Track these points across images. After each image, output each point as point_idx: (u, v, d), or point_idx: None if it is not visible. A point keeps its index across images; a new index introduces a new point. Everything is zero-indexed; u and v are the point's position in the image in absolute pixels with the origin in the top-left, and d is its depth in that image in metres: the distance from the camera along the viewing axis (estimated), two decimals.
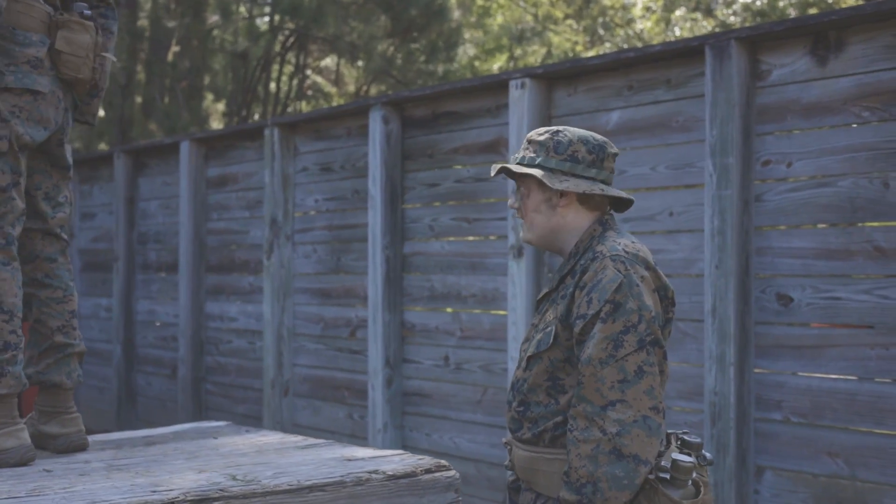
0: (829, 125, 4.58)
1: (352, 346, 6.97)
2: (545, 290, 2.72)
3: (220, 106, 17.54)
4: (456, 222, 6.28)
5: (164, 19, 13.10)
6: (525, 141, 2.72)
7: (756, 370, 4.80)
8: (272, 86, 16.23)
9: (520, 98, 5.69)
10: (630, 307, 2.45)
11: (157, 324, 8.91)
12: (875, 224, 4.44)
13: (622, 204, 2.73)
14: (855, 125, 4.50)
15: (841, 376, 4.51)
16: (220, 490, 2.52)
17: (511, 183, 5.68)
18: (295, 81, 16.36)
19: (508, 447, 2.70)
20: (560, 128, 2.68)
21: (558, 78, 5.69)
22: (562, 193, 2.64)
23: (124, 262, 9.17)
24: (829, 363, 4.55)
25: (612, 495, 2.37)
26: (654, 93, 5.27)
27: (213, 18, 13.25)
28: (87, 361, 9.78)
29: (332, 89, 18.76)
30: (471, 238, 6.22)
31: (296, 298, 7.44)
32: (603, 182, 2.65)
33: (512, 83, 5.75)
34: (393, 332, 6.56)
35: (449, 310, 6.30)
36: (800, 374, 4.65)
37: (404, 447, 6.47)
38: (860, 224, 4.49)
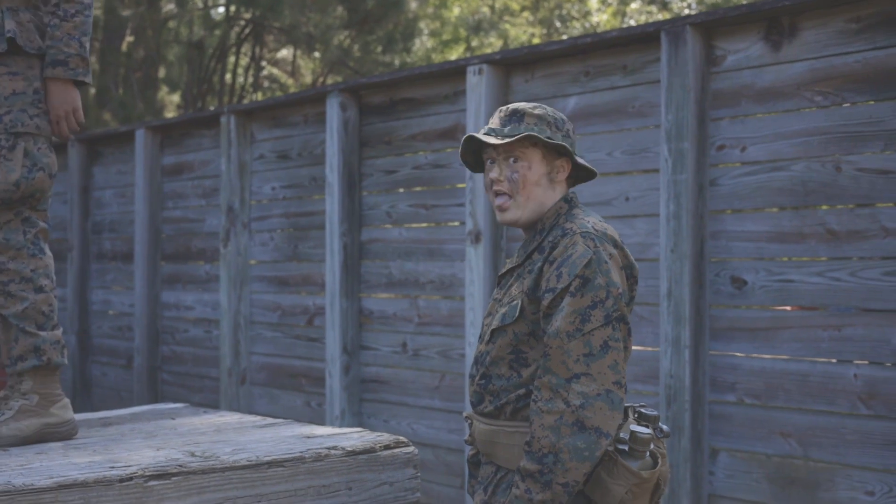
0: (782, 110, 4.64)
1: (309, 334, 6.96)
2: (509, 266, 2.71)
3: (175, 97, 17.42)
4: (413, 209, 6.28)
5: (118, 8, 12.98)
6: (510, 112, 2.64)
7: (711, 352, 4.85)
8: (228, 77, 16.14)
9: (477, 84, 5.71)
10: (598, 283, 2.47)
11: (110, 313, 8.85)
12: (827, 207, 4.50)
13: (579, 180, 2.75)
14: (808, 110, 4.56)
15: (794, 357, 4.57)
16: (179, 465, 2.52)
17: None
18: (251, 72, 16.28)
19: (469, 421, 2.71)
20: (536, 104, 2.68)
21: (515, 64, 5.71)
22: (560, 168, 2.65)
23: (79, 251, 9.09)
24: (782, 345, 4.61)
25: (573, 466, 2.39)
26: (610, 79, 5.30)
27: (169, 7, 13.15)
28: None
29: (288, 80, 18.68)
30: (428, 224, 6.24)
31: (253, 286, 7.42)
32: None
33: (469, 69, 5.77)
34: (351, 319, 6.56)
35: (405, 296, 6.31)
36: (753, 355, 4.71)
37: None
38: (813, 207, 4.55)
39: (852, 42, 4.42)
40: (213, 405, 7.64)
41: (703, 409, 4.83)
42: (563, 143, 2.61)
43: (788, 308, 4.68)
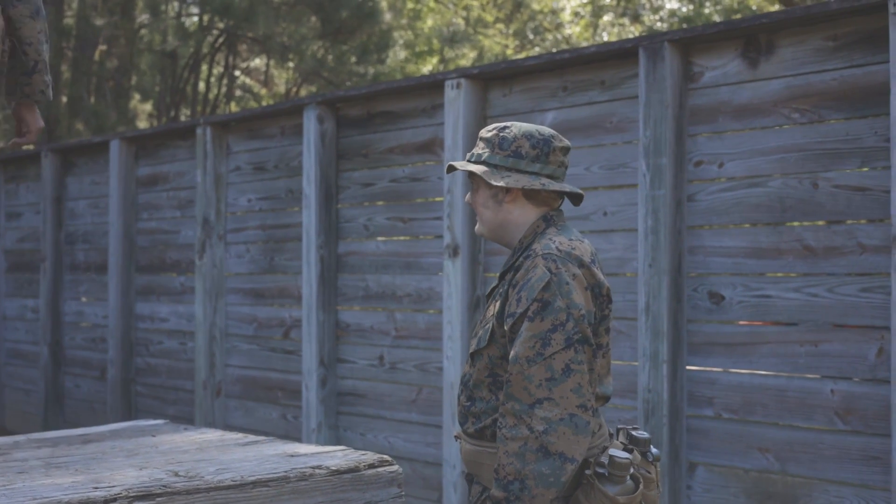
0: (759, 126, 4.67)
1: (285, 347, 6.94)
2: (493, 286, 2.74)
3: (148, 106, 17.34)
4: (391, 222, 6.28)
5: (91, 17, 12.91)
6: (478, 138, 2.77)
7: (688, 367, 4.87)
8: (201, 86, 16.08)
9: (455, 98, 5.72)
10: (558, 305, 2.47)
11: (83, 324, 8.79)
12: (804, 223, 4.53)
13: (576, 197, 2.75)
14: (785, 126, 4.60)
15: (771, 373, 4.60)
16: (163, 486, 2.50)
17: (449, 180, 5.70)
18: (224, 82, 16.23)
19: (459, 440, 2.72)
20: (508, 123, 2.70)
21: (494, 78, 5.72)
22: (507, 189, 2.66)
23: (52, 262, 9.02)
24: (759, 360, 4.64)
25: (539, 492, 2.40)
26: (588, 94, 5.32)
27: (143, 17, 13.09)
28: (12, 363, 9.62)
29: (262, 90, 18.63)
30: (406, 238, 6.23)
31: (228, 298, 7.39)
32: (549, 177, 2.66)
33: (447, 83, 5.77)
34: (327, 331, 6.54)
35: (382, 309, 6.31)
36: (731, 370, 4.73)
37: None
38: (790, 223, 4.58)
39: (829, 60, 4.46)
40: (188, 418, 7.60)
41: (680, 423, 4.85)
42: (482, 165, 2.67)
43: (759, 323, 4.70)
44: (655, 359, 4.84)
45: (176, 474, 2.63)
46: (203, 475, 2.63)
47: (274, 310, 7.04)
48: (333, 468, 2.77)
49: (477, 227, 2.78)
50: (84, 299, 8.84)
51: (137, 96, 16.69)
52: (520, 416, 2.43)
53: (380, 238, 6.36)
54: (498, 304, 2.60)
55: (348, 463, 2.82)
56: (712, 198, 4.81)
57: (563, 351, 2.45)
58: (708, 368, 4.82)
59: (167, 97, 14.70)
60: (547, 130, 2.70)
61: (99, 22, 12.87)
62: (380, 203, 6.36)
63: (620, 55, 5.16)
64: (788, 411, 4.54)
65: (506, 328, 2.51)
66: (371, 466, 2.85)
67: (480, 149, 2.71)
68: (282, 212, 7.02)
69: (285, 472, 2.69)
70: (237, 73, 17.37)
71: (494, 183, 2.61)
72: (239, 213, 7.34)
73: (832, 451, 4.39)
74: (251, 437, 3.28)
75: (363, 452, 2.91)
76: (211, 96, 15.94)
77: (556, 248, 2.56)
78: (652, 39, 4.95)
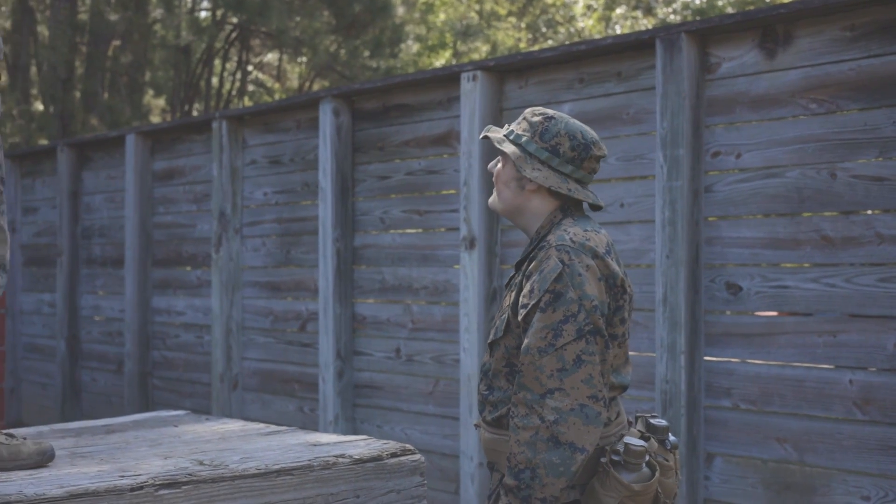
0: (777, 117, 4.67)
1: (302, 339, 6.96)
2: (511, 275, 2.76)
3: (161, 101, 17.38)
4: (407, 214, 6.29)
5: (106, 13, 12.94)
6: (522, 116, 2.75)
7: (706, 358, 4.87)
8: (215, 81, 16.12)
9: (471, 91, 5.72)
10: (570, 297, 2.48)
11: (96, 318, 8.82)
12: (822, 214, 4.53)
13: (595, 207, 2.76)
14: (802, 117, 4.59)
15: (789, 363, 4.60)
16: (189, 474, 2.52)
17: (465, 173, 5.71)
18: (237, 77, 16.26)
19: (478, 429, 2.73)
20: (555, 114, 2.68)
21: (510, 71, 5.73)
22: (527, 179, 2.67)
23: (68, 256, 9.06)
24: (777, 350, 4.64)
25: (549, 481, 2.42)
26: (604, 85, 5.33)
27: (157, 12, 13.12)
28: (30, 358, 9.66)
29: (275, 84, 18.66)
30: (422, 230, 6.25)
31: (245, 292, 7.41)
32: (578, 181, 2.67)
33: (463, 76, 5.78)
34: (344, 324, 6.56)
35: (399, 301, 6.32)
36: (749, 361, 4.73)
37: None
38: (807, 214, 4.58)
39: (847, 50, 4.45)
40: (205, 410, 7.63)
41: (698, 414, 4.86)
42: (511, 146, 2.68)
43: (775, 314, 4.71)
44: (673, 350, 4.84)
45: (201, 463, 2.65)
46: (228, 464, 2.65)
47: (290, 303, 7.07)
48: (357, 457, 2.79)
49: (492, 199, 2.78)
50: (101, 293, 8.88)
51: (151, 91, 16.74)
52: (531, 406, 2.44)
53: (396, 231, 6.37)
54: (513, 294, 2.62)
55: (371, 452, 2.83)
56: (729, 188, 4.81)
57: (575, 342, 2.47)
58: (726, 359, 4.82)
59: (181, 92, 14.74)
60: (590, 135, 2.69)
61: (113, 17, 12.91)
62: (396, 196, 6.38)
63: (637, 47, 5.16)
64: (806, 401, 4.54)
65: (519, 319, 2.54)
66: (394, 455, 2.86)
67: (522, 129, 2.70)
68: (297, 205, 7.04)
69: (309, 460, 2.71)
70: (250, 67, 17.40)
71: (525, 174, 2.62)
72: (255, 207, 7.37)
73: (850, 442, 4.39)
74: (273, 427, 3.30)
75: (385, 442, 2.93)
76: (224, 91, 15.97)
77: (570, 239, 2.56)
78: (668, 31, 4.95)
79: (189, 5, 14.03)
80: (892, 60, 4.31)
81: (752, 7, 16.63)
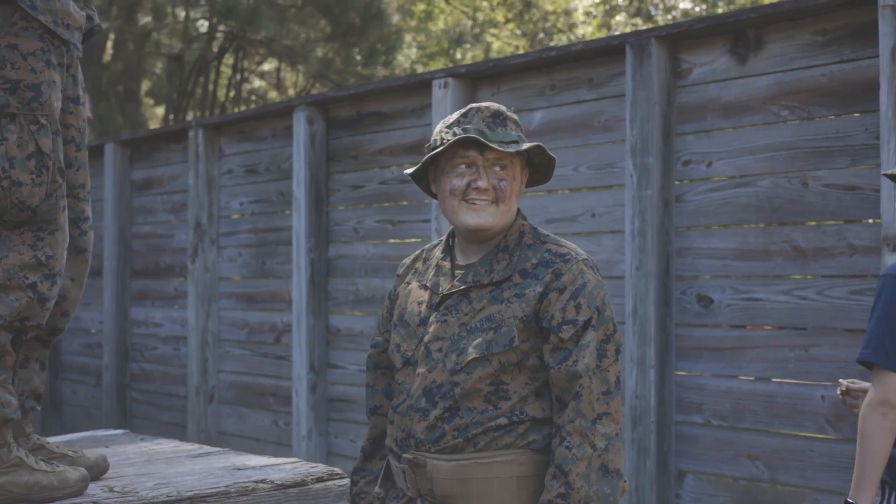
0: (748, 124, 4.54)
1: (277, 352, 6.84)
2: (464, 285, 2.41)
3: (160, 111, 17.27)
4: (381, 224, 6.17)
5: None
6: (494, 113, 2.40)
7: (677, 372, 4.73)
8: (212, 89, 16.01)
9: (443, 98, 5.60)
10: (608, 315, 2.35)
11: (80, 330, 8.71)
12: (793, 224, 4.39)
13: None
14: (774, 124, 4.46)
15: (761, 378, 4.46)
16: (93, 503, 2.39)
17: None
18: (233, 85, 16.17)
19: (409, 464, 2.37)
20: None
21: (482, 77, 5.60)
22: (524, 180, 2.48)
23: None
24: (748, 365, 4.50)
25: None
26: (576, 92, 5.19)
27: (146, 20, 13.03)
28: None
29: (273, 93, 18.56)
30: (395, 241, 6.12)
31: (221, 303, 7.29)
32: None
33: (435, 83, 5.66)
34: (318, 336, 6.44)
35: (373, 313, 6.19)
36: (720, 376, 4.59)
37: (329, 454, 6.35)
38: (779, 224, 4.44)
39: (818, 55, 4.32)
40: (182, 424, 7.51)
41: (669, 430, 4.72)
42: (553, 157, 2.45)
43: (746, 327, 4.57)
44: (643, 364, 4.71)
45: (111, 489, 2.52)
46: (139, 490, 2.52)
47: (266, 314, 6.94)
48: (278, 482, 2.65)
49: (490, 217, 2.38)
50: (83, 304, 8.75)
51: (148, 101, 16.64)
52: (584, 434, 2.27)
53: (370, 241, 6.24)
54: (521, 306, 2.33)
55: (295, 477, 2.70)
56: (700, 198, 4.68)
57: (615, 363, 2.34)
58: (697, 374, 4.68)
59: (174, 101, 14.64)
60: None
61: (104, 25, 12.81)
62: (370, 206, 6.25)
63: (608, 52, 5.03)
64: (778, 418, 4.39)
65: (560, 336, 2.30)
66: (320, 480, 2.73)
67: (515, 130, 2.41)
68: (273, 215, 6.92)
69: (226, 486, 2.57)
70: (250, 75, 17.30)
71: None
72: (231, 217, 7.25)
73: (822, 459, 4.25)
74: (206, 449, 3.18)
75: (314, 465, 2.80)
76: (220, 99, 15.88)
77: (585, 254, 2.42)
78: (639, 36, 4.82)
79: (180, 14, 13.92)
80: (864, 65, 4.17)
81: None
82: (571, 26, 21.12)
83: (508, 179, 2.40)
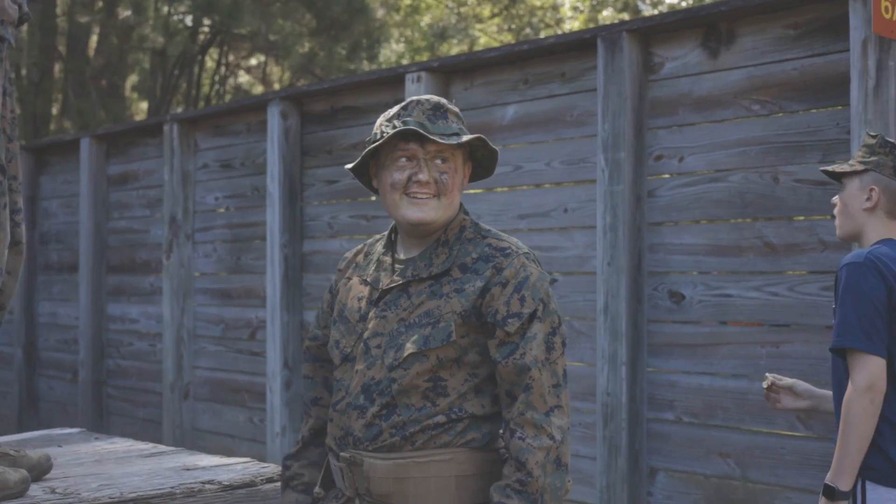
0: (720, 119, 4.49)
1: (252, 348, 6.77)
2: (403, 280, 2.34)
3: (145, 106, 17.17)
4: (354, 220, 6.11)
5: (77, 14, 12.75)
6: (434, 106, 2.33)
7: (649, 369, 4.69)
8: (199, 84, 15.92)
9: (416, 92, 5.54)
10: (553, 308, 2.29)
11: (57, 326, 8.64)
12: (765, 219, 4.35)
13: None
14: (746, 119, 4.41)
15: (732, 375, 4.42)
16: None
17: None
18: (218, 80, 16.08)
19: (347, 463, 2.30)
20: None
21: (455, 71, 5.55)
22: (467, 173, 2.43)
23: (26, 262, 8.82)
24: (720, 361, 4.46)
25: None
26: (549, 86, 5.14)
27: (126, 14, 12.93)
28: None
29: (260, 88, 18.47)
30: (368, 236, 6.06)
31: (196, 299, 7.22)
32: None
33: (408, 77, 5.60)
34: (292, 332, 6.38)
35: None
36: (692, 373, 4.55)
37: None
38: (751, 220, 4.40)
39: (790, 49, 4.27)
40: (158, 420, 7.44)
41: (641, 427, 4.67)
42: (495, 150, 2.39)
43: (727, 323, 4.52)
44: (614, 360, 4.66)
45: (53, 491, 2.47)
46: (81, 491, 2.46)
47: (241, 310, 6.88)
48: (226, 483, 2.60)
49: (432, 210, 2.32)
50: (58, 300, 8.69)
51: (134, 95, 16.52)
52: (539, 426, 2.21)
53: (343, 237, 6.19)
54: (460, 300, 2.27)
55: (244, 477, 2.64)
56: (672, 193, 4.63)
57: (562, 356, 2.29)
58: (669, 370, 4.64)
59: (157, 96, 14.55)
60: None
61: (84, 19, 12.72)
62: (344, 201, 6.19)
63: (580, 46, 4.98)
64: (749, 415, 4.35)
65: (506, 329, 2.24)
66: (270, 480, 2.67)
67: (456, 123, 2.34)
68: (248, 210, 6.85)
69: (172, 487, 2.52)
70: (236, 70, 17.20)
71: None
72: (206, 212, 7.18)
73: (793, 457, 4.20)
74: (161, 448, 3.12)
75: (264, 465, 2.75)
76: (203, 94, 15.79)
77: (526, 247, 2.37)
78: (610, 30, 4.77)
79: (161, 7, 13.82)
80: (835, 59, 4.13)
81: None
82: (559, 21, 21.06)
83: (450, 172, 2.34)
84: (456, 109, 2.39)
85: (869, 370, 2.75)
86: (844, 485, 2.81)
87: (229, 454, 5.33)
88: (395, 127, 2.31)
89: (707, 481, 4.47)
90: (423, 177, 2.31)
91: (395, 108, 2.37)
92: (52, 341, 8.71)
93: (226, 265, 7.02)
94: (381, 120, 2.39)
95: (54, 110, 14.31)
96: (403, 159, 2.33)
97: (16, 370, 8.88)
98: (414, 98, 2.36)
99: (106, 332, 8.07)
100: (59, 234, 8.66)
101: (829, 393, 3.11)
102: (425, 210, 2.33)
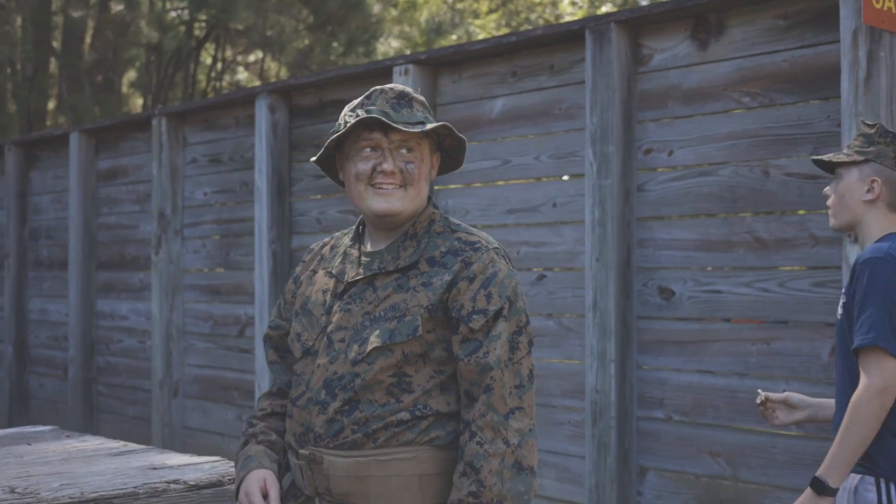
0: (709, 112, 4.41)
1: (241, 345, 6.70)
2: (369, 272, 2.28)
3: (141, 101, 17.11)
4: (342, 215, 6.04)
5: (70, 9, 12.68)
6: (398, 94, 2.26)
7: (638, 367, 4.61)
8: (195, 80, 15.86)
9: (404, 85, 5.46)
10: (520, 306, 2.23)
11: (47, 322, 8.57)
12: (755, 214, 4.27)
13: None
14: (735, 111, 4.34)
15: (722, 372, 4.34)
16: None
17: None
18: (214, 75, 16.01)
19: (307, 460, 2.24)
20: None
21: (443, 64, 5.47)
22: (435, 164, 2.36)
23: (16, 258, 8.80)
24: (710, 359, 4.38)
25: None
26: (537, 79, 5.07)
27: (119, 8, 12.86)
28: None
29: (257, 83, 18.40)
30: None
31: (185, 295, 7.15)
32: None
33: (395, 69, 5.53)
34: None
35: None
36: (682, 370, 4.47)
37: None
38: (741, 214, 4.32)
39: (780, 40, 4.19)
40: (147, 418, 7.37)
41: (630, 426, 4.60)
42: (463, 138, 2.33)
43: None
44: (603, 358, 4.58)
45: (12, 490, 2.39)
46: (41, 491, 2.39)
47: (230, 307, 6.81)
48: (192, 483, 2.53)
49: (398, 201, 2.25)
50: (48, 296, 8.62)
51: (131, 91, 16.45)
52: (497, 429, 2.14)
53: (332, 232, 6.10)
54: (426, 294, 2.21)
55: (211, 477, 2.57)
56: (662, 187, 4.56)
57: (528, 356, 2.21)
58: (658, 368, 4.56)
59: (153, 91, 14.48)
60: None
61: (77, 14, 12.65)
62: (332, 195, 6.12)
63: (568, 38, 4.90)
64: (740, 413, 4.28)
65: (470, 325, 2.17)
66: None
67: (422, 111, 2.27)
68: (237, 205, 6.78)
69: (135, 487, 2.45)
70: (233, 65, 17.13)
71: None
72: (195, 207, 7.11)
73: (785, 457, 4.13)
74: (131, 446, 3.05)
75: (233, 464, 2.67)
76: (200, 89, 15.72)
77: (496, 242, 2.30)
78: (598, 21, 4.69)
79: (154, 2, 13.75)
80: (826, 51, 4.05)
81: None
82: (558, 18, 20.98)
83: (416, 162, 2.27)
84: (421, 98, 2.32)
85: (888, 372, 2.67)
86: (835, 482, 2.74)
87: (218, 452, 5.26)
88: (357, 116, 2.24)
89: (697, 481, 4.40)
90: (387, 166, 2.25)
91: (360, 98, 2.30)
92: (42, 338, 8.64)
93: (215, 261, 6.95)
94: (345, 110, 2.32)
95: (49, 106, 14.25)
96: (368, 149, 2.27)
97: (6, 367, 8.82)
98: (377, 87, 2.29)
99: (96, 328, 8.00)
100: (50, 230, 8.59)
101: (823, 400, 3.04)
102: (391, 201, 2.26)
